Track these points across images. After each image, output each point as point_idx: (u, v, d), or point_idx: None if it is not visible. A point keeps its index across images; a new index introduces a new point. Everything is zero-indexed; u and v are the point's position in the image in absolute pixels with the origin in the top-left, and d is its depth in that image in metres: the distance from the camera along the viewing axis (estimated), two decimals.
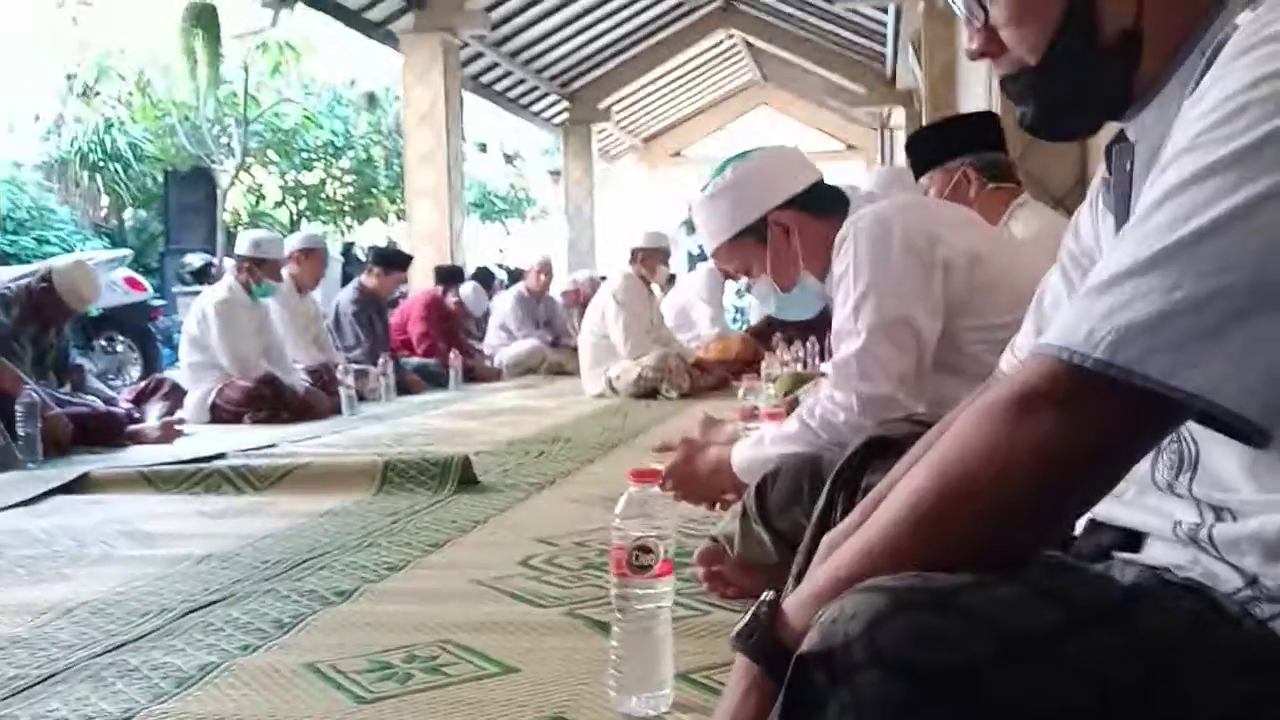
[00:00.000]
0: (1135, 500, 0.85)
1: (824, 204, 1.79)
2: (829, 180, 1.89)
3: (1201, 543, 0.75)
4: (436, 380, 6.49)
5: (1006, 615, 0.65)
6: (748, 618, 0.74)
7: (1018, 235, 2.30)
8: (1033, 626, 0.65)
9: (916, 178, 2.52)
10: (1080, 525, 0.87)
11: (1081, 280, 0.99)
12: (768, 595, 0.76)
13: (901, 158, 11.62)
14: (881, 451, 1.26)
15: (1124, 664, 0.64)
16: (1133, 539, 0.85)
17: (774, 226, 1.76)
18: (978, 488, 0.67)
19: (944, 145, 2.46)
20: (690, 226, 20.63)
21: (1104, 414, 0.64)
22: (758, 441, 1.78)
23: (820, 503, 1.30)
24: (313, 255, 5.79)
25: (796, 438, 1.68)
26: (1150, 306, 0.61)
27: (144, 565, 2.05)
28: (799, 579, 1.21)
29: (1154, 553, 0.82)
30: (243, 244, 5.25)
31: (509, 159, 19.39)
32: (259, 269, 5.10)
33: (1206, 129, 0.63)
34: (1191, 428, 0.73)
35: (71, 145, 13.30)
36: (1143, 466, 0.80)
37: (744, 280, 1.91)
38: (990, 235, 1.90)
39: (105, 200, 13.85)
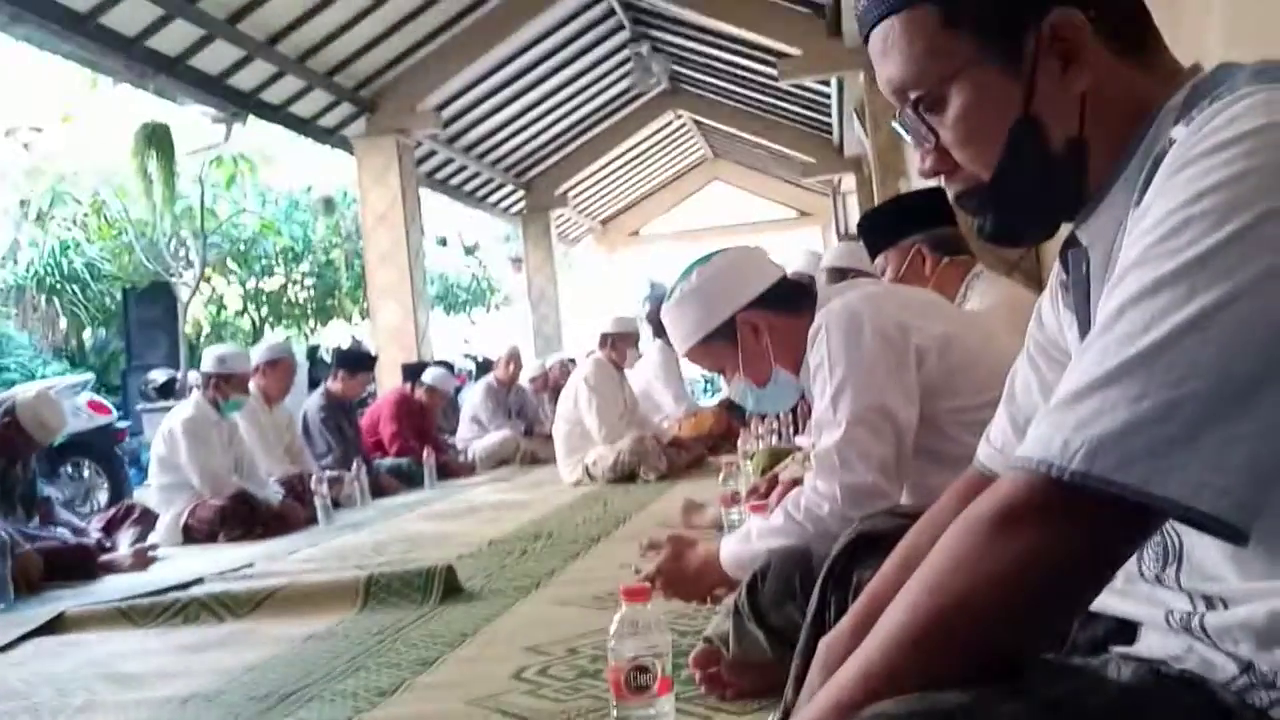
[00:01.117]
0: (1127, 589, 0.86)
1: (790, 300, 1.82)
2: (793, 262, 1.93)
3: (1194, 631, 0.77)
4: (411, 479, 6.43)
5: None
6: None
7: (975, 307, 2.35)
8: None
9: (871, 258, 2.57)
10: None
11: (1049, 367, 1.02)
12: (773, 718, 0.77)
13: (855, 221, 11.85)
14: (869, 547, 1.27)
15: None
16: (1127, 627, 0.87)
17: (743, 326, 1.79)
18: (969, 605, 0.69)
19: (894, 225, 2.52)
20: (653, 301, 20.79)
21: (1086, 523, 0.66)
22: (745, 536, 1.78)
23: (813, 603, 1.30)
24: (279, 366, 5.76)
25: (783, 531, 1.69)
26: (1120, 416, 0.63)
27: (128, 712, 1.99)
28: (798, 681, 1.21)
29: (1149, 643, 0.83)
30: (207, 360, 5.21)
31: (469, 250, 19.53)
32: (225, 384, 5.07)
33: (1154, 243, 0.67)
34: (1174, 522, 0.75)
35: (27, 270, 13.24)
36: (1130, 560, 0.81)
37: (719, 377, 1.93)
38: (959, 316, 1.94)
39: (64, 322, 13.76)
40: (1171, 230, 0.66)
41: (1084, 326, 0.88)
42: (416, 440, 6.95)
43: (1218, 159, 0.66)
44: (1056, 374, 0.98)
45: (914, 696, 0.68)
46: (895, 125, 0.91)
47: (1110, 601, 0.88)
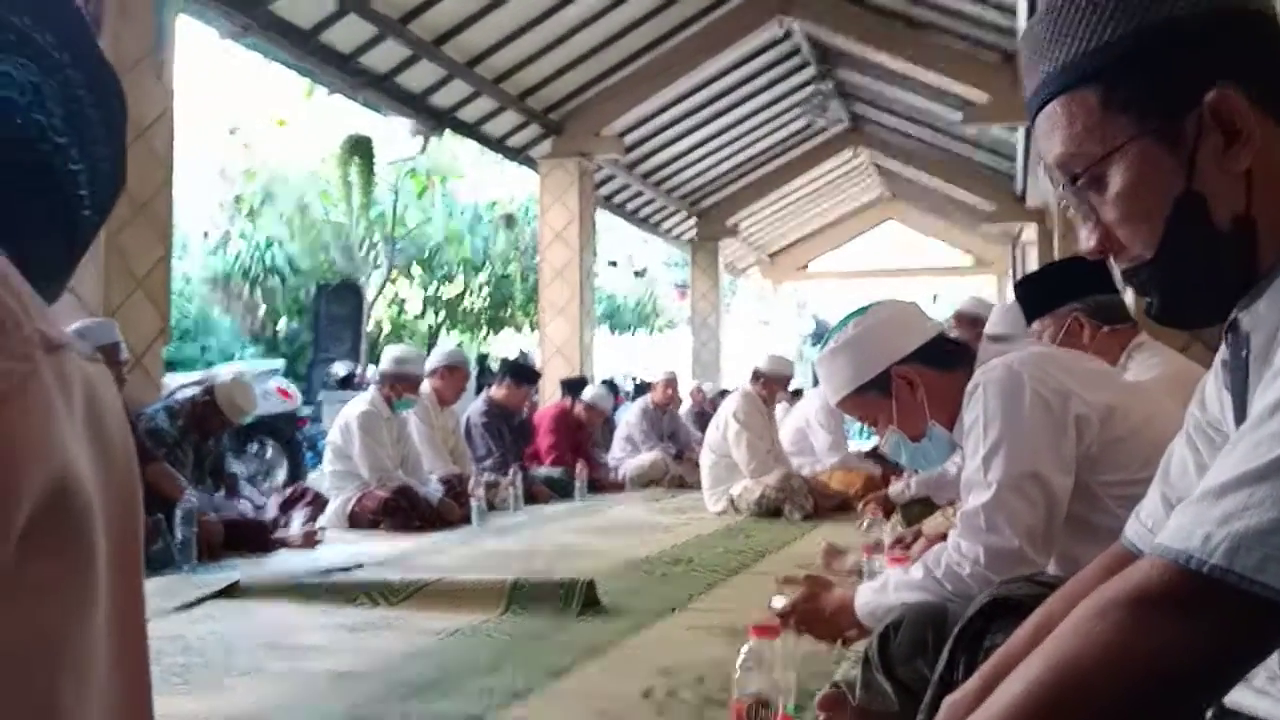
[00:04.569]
0: (1267, 688, 0.84)
1: (946, 357, 1.81)
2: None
3: None
4: (563, 490, 6.60)
5: None
6: None
7: (1134, 378, 2.26)
8: None
9: (1028, 324, 2.50)
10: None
11: (1207, 448, 1.00)
12: None
13: (1031, 271, 11.39)
14: (1005, 612, 1.26)
15: None
16: None
17: (897, 380, 1.79)
18: (1094, 689, 0.69)
19: (1052, 291, 2.44)
20: (815, 338, 20.57)
21: (1223, 619, 0.65)
22: (882, 587, 1.78)
23: (943, 661, 1.30)
24: (456, 372, 6.04)
25: (921, 586, 1.68)
26: (1267, 515, 0.63)
27: (288, 681, 2.16)
28: None
29: None
30: (385, 360, 5.53)
31: (639, 274, 19.87)
32: (400, 384, 5.36)
33: None
34: None
35: (235, 260, 14.34)
36: (1272, 657, 0.80)
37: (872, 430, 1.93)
38: (1125, 386, 1.88)
39: (262, 310, 14.81)
40: None
41: (1239, 412, 0.86)
42: (571, 453, 7.13)
43: None
44: (1214, 455, 0.96)
45: None
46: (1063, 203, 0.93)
47: (1248, 699, 0.86)
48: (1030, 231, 11.86)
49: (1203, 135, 0.80)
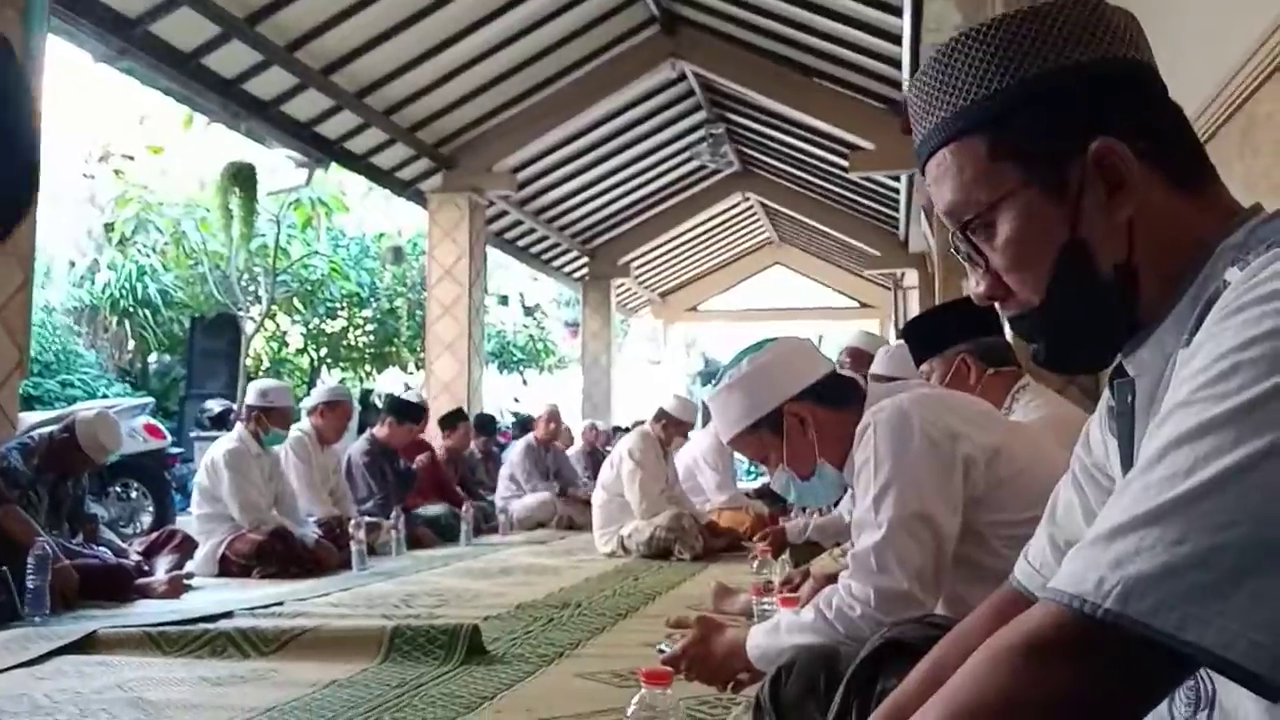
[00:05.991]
0: None
1: (839, 395, 1.82)
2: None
3: None
4: (448, 533, 6.43)
5: None
6: None
7: (1019, 420, 2.32)
8: None
9: (916, 365, 2.55)
10: None
11: (1093, 491, 1.01)
12: None
13: (915, 314, 11.79)
14: (897, 655, 1.25)
15: None
16: None
17: (789, 417, 1.79)
18: None
19: (940, 333, 2.49)
20: (705, 378, 20.82)
21: (1116, 663, 0.65)
22: (773, 629, 1.76)
23: (835, 705, 1.29)
24: (338, 409, 5.84)
25: (812, 629, 1.66)
26: (1157, 559, 0.62)
27: None
28: None
29: None
30: (251, 394, 5.31)
31: (529, 311, 19.78)
32: (267, 417, 5.15)
33: (1202, 385, 0.66)
34: None
35: (103, 291, 13.64)
36: (1161, 702, 0.79)
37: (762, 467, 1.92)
38: (1010, 428, 1.92)
39: (131, 345, 14.11)
40: (1220, 374, 0.65)
41: (1126, 457, 0.87)
42: (442, 489, 6.97)
43: (1271, 306, 0.66)
44: (1100, 497, 0.97)
45: None
46: (953, 251, 0.92)
47: None
48: (912, 276, 12.28)
49: (1087, 185, 0.82)
